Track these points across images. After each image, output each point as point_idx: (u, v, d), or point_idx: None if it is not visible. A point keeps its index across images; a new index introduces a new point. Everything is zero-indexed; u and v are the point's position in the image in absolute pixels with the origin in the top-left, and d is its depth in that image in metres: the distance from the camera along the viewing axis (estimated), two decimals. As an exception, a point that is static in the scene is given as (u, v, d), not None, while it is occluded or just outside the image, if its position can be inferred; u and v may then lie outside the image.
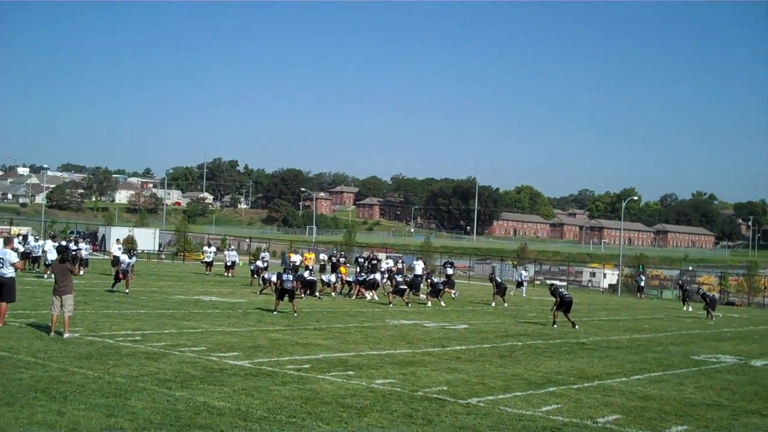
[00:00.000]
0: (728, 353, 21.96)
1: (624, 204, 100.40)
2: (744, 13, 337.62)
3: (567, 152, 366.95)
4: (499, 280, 37.34)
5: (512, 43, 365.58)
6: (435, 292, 33.65)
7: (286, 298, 24.66)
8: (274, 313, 24.35)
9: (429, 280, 35.09)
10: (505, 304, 35.75)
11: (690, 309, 41.96)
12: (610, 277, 73.05)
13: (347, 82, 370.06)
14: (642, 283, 57.40)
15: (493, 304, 35.55)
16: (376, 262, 41.11)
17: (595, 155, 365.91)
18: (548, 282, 40.28)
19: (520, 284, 48.26)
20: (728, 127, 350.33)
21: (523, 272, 51.65)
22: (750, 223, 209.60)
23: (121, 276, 29.01)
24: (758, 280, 66.22)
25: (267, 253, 48.36)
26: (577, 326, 25.99)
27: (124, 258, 30.33)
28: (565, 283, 61.04)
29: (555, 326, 26.14)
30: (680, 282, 53.05)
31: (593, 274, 78.08)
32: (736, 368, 18.70)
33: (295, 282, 26.17)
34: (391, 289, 32.48)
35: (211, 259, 47.11)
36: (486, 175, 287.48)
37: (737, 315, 42.70)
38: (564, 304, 26.32)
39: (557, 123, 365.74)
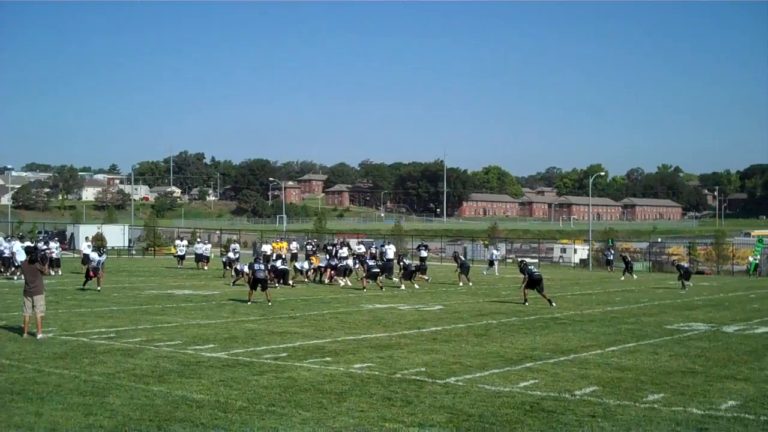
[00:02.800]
0: (700, 321, 22.21)
1: (591, 180, 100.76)
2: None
3: (533, 131, 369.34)
4: (464, 259, 37.50)
5: (474, 23, 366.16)
6: (407, 274, 33.73)
7: (259, 288, 24.65)
8: (248, 303, 24.29)
9: (401, 263, 35.15)
10: (470, 283, 35.93)
11: (635, 277, 45.03)
12: (581, 252, 73.60)
13: (311, 70, 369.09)
14: (611, 257, 57.82)
15: (461, 284, 35.70)
16: (340, 247, 40.69)
17: (561, 133, 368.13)
18: (518, 259, 40.39)
19: (491, 263, 48.48)
20: (690, 100, 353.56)
21: (495, 251, 51.92)
22: (716, 194, 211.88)
23: (92, 274, 28.79)
24: (726, 248, 66.97)
25: (237, 245, 48.19)
26: (554, 303, 25.71)
27: (95, 256, 30.08)
28: (536, 260, 61.48)
29: (527, 304, 26.07)
30: (623, 255, 53.76)
31: (564, 250, 78.68)
32: (708, 335, 18.92)
33: (267, 271, 26.13)
34: (365, 274, 32.54)
35: (183, 253, 46.96)
36: (453, 157, 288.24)
37: (707, 283, 43.20)
38: (533, 282, 25.98)
39: (522, 102, 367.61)
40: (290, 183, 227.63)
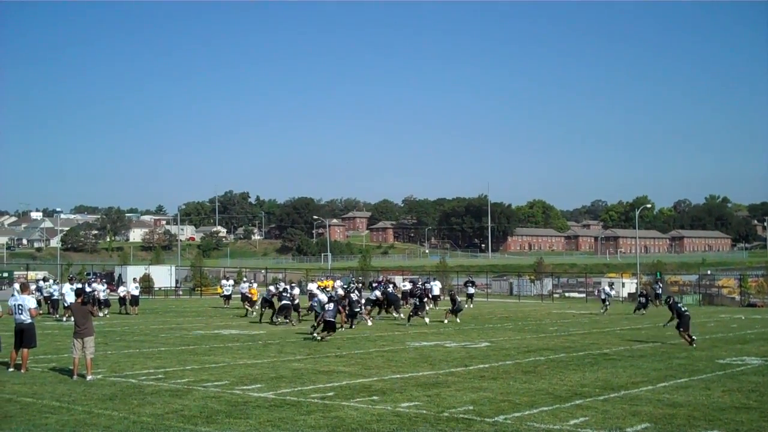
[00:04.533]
0: (753, 355, 21.79)
1: (638, 212, 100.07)
2: (747, 13, 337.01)
3: (577, 164, 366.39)
4: (458, 299, 36.08)
5: (516, 57, 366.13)
6: (416, 309, 32.90)
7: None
8: (318, 337, 24.95)
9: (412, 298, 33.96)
10: (458, 320, 34.41)
11: (644, 312, 42.73)
12: (629, 286, 72.66)
13: (353, 107, 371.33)
14: (659, 291, 56.51)
15: (446, 320, 33.88)
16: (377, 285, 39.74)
17: (606, 165, 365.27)
18: (665, 296, 36.73)
19: (604, 301, 46.76)
20: (737, 128, 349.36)
21: (606, 288, 49.87)
22: (765, 224, 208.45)
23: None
24: (778, 279, 65.76)
25: (283, 283, 48.01)
26: (695, 343, 24.14)
27: (323, 297, 29.87)
28: (584, 295, 60.50)
29: (695, 345, 23.96)
30: (642, 291, 52.11)
31: (611, 284, 77.61)
32: (762, 370, 18.55)
33: (341, 310, 25.72)
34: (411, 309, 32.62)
35: (229, 293, 47.22)
36: (497, 192, 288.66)
37: (759, 316, 42.40)
38: (684, 320, 24.37)
39: (566, 135, 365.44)
40: (334, 221, 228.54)
